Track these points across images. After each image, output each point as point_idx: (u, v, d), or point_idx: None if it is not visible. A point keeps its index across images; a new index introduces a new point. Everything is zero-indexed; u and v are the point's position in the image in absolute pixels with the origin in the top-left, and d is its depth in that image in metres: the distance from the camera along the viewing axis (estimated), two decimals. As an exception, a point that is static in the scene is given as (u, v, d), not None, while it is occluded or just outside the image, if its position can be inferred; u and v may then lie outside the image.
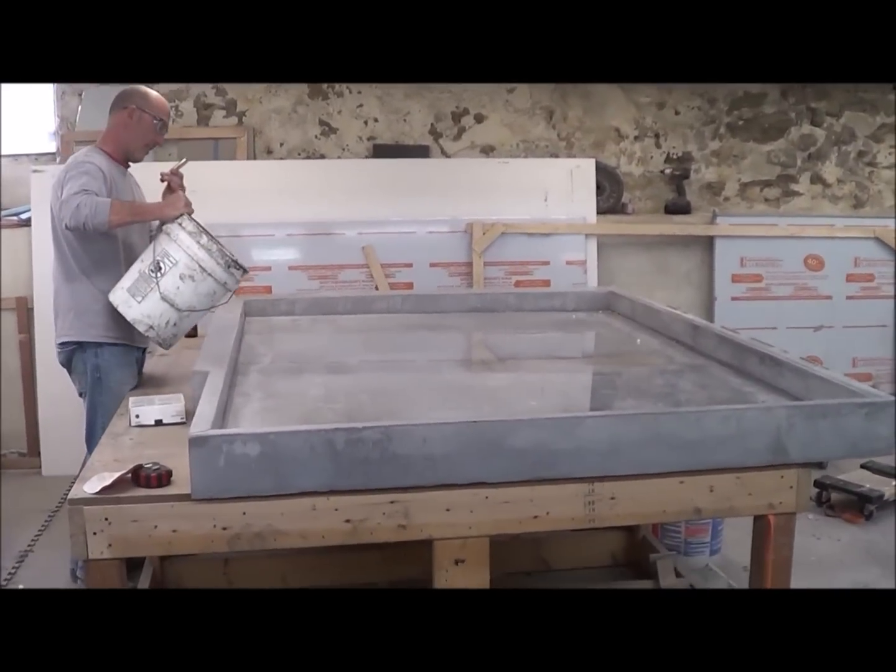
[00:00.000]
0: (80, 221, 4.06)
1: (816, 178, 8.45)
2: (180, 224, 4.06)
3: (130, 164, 4.63)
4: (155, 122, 4.47)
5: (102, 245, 4.36)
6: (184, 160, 4.47)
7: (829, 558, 5.34)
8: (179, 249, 4.02)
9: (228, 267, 4.06)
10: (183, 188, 4.36)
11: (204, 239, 4.03)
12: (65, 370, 4.62)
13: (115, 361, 4.43)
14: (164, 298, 4.02)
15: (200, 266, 4.01)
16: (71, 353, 4.50)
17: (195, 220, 4.10)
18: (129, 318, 4.07)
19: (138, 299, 4.05)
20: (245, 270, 4.15)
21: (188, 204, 4.18)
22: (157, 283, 4.02)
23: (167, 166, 4.45)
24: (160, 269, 4.01)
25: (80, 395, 4.58)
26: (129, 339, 4.43)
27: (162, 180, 4.40)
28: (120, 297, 4.09)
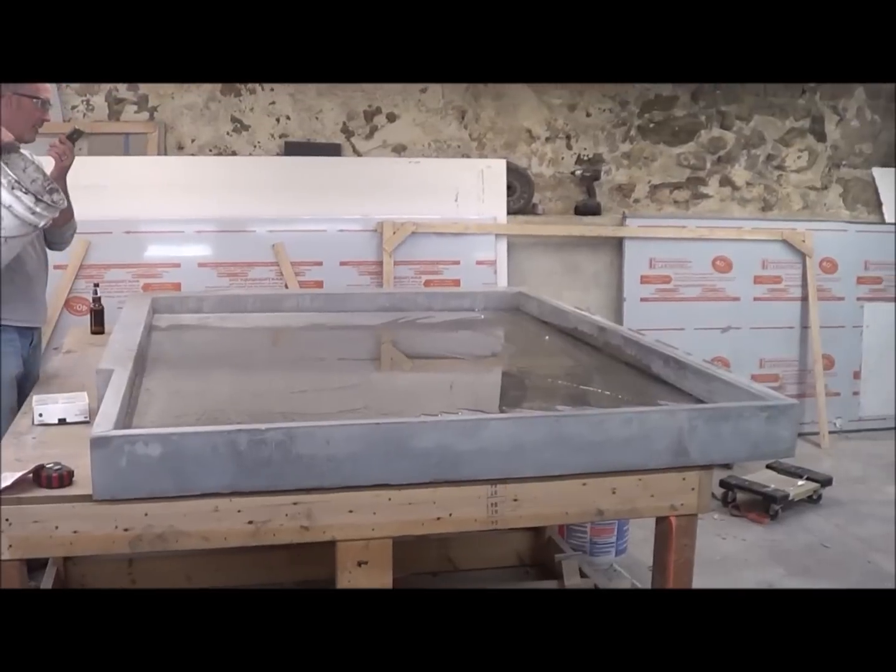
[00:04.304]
0: None
1: (726, 181, 8.56)
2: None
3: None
4: (34, 101, 4.43)
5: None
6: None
7: (733, 558, 5.43)
8: None
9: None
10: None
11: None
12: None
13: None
14: None
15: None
16: None
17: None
18: None
19: None
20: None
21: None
22: None
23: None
24: None
25: None
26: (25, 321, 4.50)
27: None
28: None
